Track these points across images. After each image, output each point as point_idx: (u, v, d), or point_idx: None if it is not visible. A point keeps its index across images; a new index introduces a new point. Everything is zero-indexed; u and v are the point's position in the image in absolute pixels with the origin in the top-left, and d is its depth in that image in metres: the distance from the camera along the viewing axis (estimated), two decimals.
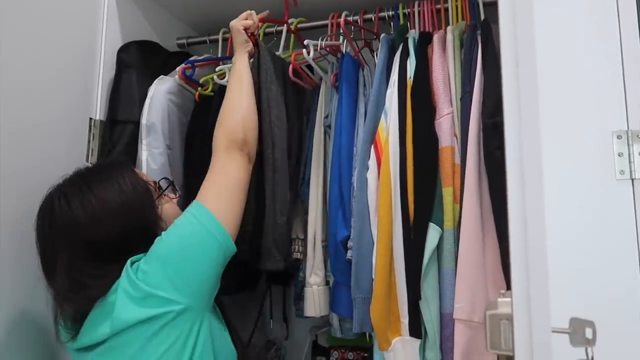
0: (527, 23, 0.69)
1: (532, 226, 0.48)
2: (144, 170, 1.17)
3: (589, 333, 0.47)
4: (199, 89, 1.31)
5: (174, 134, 1.28)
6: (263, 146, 1.08)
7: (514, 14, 0.71)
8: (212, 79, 1.30)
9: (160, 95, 1.25)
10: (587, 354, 0.47)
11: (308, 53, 1.16)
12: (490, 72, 0.98)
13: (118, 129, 1.22)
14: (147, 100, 1.23)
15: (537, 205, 0.49)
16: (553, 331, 0.47)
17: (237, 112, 1.00)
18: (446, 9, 1.26)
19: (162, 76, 1.28)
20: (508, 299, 0.51)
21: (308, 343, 1.49)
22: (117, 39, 1.30)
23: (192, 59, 1.36)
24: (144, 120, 1.22)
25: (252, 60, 1.13)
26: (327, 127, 1.19)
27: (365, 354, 1.39)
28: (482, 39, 1.02)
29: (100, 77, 1.25)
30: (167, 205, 0.96)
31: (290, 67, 1.17)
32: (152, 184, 0.96)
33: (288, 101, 1.17)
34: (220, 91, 1.24)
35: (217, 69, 1.26)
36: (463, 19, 1.25)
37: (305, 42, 1.17)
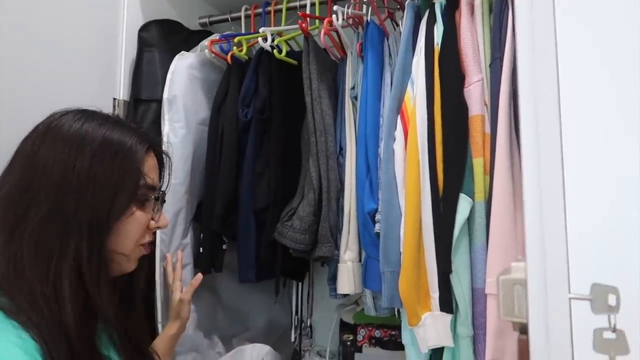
0: None
1: (548, 181, 0.44)
2: (165, 143, 1.17)
3: (612, 300, 0.44)
4: (234, 48, 1.28)
5: (196, 108, 1.27)
6: (317, 134, 1.12)
7: None
8: (247, 40, 1.28)
9: (182, 69, 1.24)
10: (609, 322, 0.43)
11: (337, 19, 1.14)
12: None
13: (142, 108, 1.22)
14: (169, 75, 1.22)
15: (552, 160, 0.45)
16: (571, 298, 0.43)
17: None
18: None
19: (183, 52, 1.28)
20: (522, 263, 0.48)
21: (335, 321, 1.48)
22: (138, 18, 1.30)
23: (226, 33, 1.34)
24: (165, 95, 1.21)
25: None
26: (354, 99, 1.16)
27: (393, 332, 1.37)
28: (513, 1, 0.97)
29: (122, 57, 1.25)
30: (139, 216, 0.74)
31: (322, 33, 1.14)
32: (147, 186, 0.75)
33: (329, 82, 1.18)
34: (258, 55, 1.26)
35: (261, 30, 1.24)
36: None
37: (334, 7, 1.14)
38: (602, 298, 0.40)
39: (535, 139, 0.42)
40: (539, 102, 0.43)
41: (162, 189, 0.81)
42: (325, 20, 1.14)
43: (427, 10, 1.07)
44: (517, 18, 0.62)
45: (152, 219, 0.77)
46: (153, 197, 0.76)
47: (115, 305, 0.71)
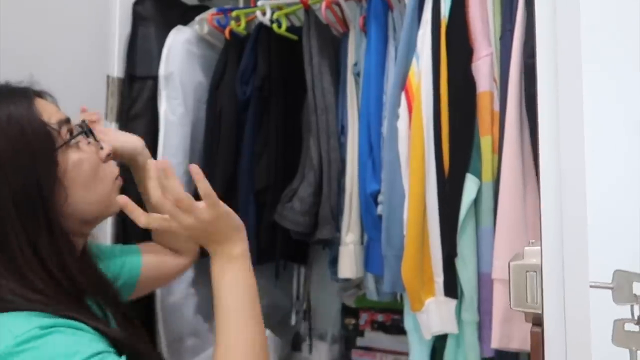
0: None
1: (568, 164, 0.40)
2: (162, 123, 1.13)
3: (637, 288, 0.39)
4: (232, 22, 1.22)
5: (195, 85, 1.22)
6: (317, 112, 1.08)
7: None
8: (245, 14, 1.22)
9: (178, 44, 1.19)
10: (632, 313, 0.39)
11: None
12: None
13: (137, 86, 1.18)
14: (165, 50, 1.17)
15: (573, 134, 0.40)
16: (591, 286, 0.39)
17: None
18: None
19: (179, 26, 1.22)
20: (536, 248, 0.44)
21: (337, 305, 1.45)
22: None
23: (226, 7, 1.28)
24: (162, 71, 1.16)
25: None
26: (357, 75, 1.11)
27: (395, 316, 1.34)
28: None
29: (116, 32, 1.19)
30: (75, 158, 0.68)
31: (324, 6, 1.08)
32: (56, 127, 0.67)
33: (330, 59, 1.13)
34: (257, 31, 1.20)
35: (259, 3, 1.16)
36: None
37: None
38: (625, 286, 0.36)
39: (555, 111, 0.38)
40: (559, 72, 0.38)
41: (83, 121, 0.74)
42: None
43: None
44: None
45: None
46: (78, 132, 0.71)
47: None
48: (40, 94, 0.71)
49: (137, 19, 1.21)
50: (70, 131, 0.70)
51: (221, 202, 0.69)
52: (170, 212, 0.66)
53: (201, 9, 1.40)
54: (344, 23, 1.16)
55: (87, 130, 0.73)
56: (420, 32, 0.98)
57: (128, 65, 1.20)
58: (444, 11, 0.97)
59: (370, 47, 1.05)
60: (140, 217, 0.67)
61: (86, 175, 0.69)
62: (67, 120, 0.71)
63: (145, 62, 1.18)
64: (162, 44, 1.19)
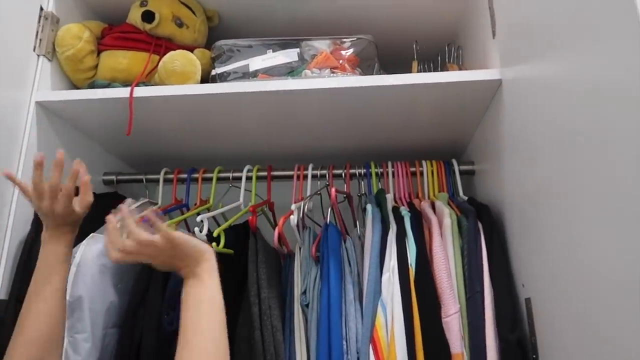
0: None
1: None
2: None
3: None
4: None
5: (107, 307, 0.99)
6: (266, 358, 0.93)
7: None
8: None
9: (90, 261, 0.96)
10: None
11: (294, 220, 1.00)
12: (500, 271, 0.91)
13: None
14: (72, 268, 0.94)
15: None
16: None
17: None
18: (421, 172, 1.21)
19: (93, 234, 1.01)
20: None
21: None
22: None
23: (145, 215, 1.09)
24: (67, 297, 0.92)
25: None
26: (305, 306, 1.01)
27: None
28: (486, 229, 0.95)
29: (5, 250, 0.95)
30: None
31: (276, 232, 0.99)
32: None
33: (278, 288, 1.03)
34: None
35: (198, 219, 1.01)
36: (439, 183, 1.20)
37: (292, 207, 1.02)
38: None
39: None
40: None
41: None
42: (282, 218, 1.00)
43: (396, 225, 1.00)
44: None
45: None
46: None
47: None
48: None
49: (36, 224, 0.98)
50: None
51: (176, 233, 0.76)
52: (135, 250, 0.75)
53: (112, 195, 1.22)
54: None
55: None
56: (385, 277, 0.94)
57: (17, 285, 0.93)
58: (411, 260, 0.95)
59: (330, 286, 0.96)
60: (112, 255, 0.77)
61: None
62: None
63: None
64: None
